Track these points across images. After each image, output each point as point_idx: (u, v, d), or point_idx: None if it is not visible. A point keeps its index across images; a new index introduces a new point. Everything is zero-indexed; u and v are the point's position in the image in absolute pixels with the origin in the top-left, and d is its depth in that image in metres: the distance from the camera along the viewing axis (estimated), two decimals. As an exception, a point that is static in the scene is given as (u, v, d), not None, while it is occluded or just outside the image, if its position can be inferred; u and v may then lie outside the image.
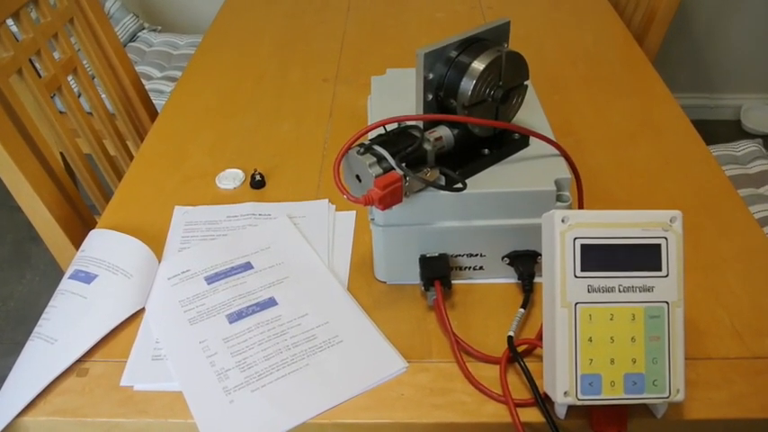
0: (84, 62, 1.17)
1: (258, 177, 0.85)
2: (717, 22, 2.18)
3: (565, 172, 0.68)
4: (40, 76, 1.02)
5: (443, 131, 0.67)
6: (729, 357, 0.63)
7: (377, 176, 0.61)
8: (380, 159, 0.62)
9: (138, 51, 1.89)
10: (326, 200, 0.83)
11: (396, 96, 0.78)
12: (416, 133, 0.65)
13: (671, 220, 0.55)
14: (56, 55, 1.08)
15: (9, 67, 0.94)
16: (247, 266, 0.73)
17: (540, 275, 0.59)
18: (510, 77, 0.68)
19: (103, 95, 1.20)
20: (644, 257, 0.55)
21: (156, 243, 0.76)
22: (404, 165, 0.62)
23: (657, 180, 0.85)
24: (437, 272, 0.68)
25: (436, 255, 0.69)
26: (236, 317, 0.67)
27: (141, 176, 0.89)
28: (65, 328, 0.66)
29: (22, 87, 0.98)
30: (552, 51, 1.17)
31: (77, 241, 0.93)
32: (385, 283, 0.72)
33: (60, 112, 1.04)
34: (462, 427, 0.59)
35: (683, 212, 0.56)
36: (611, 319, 0.55)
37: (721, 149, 1.38)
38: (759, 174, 1.29)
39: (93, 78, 1.21)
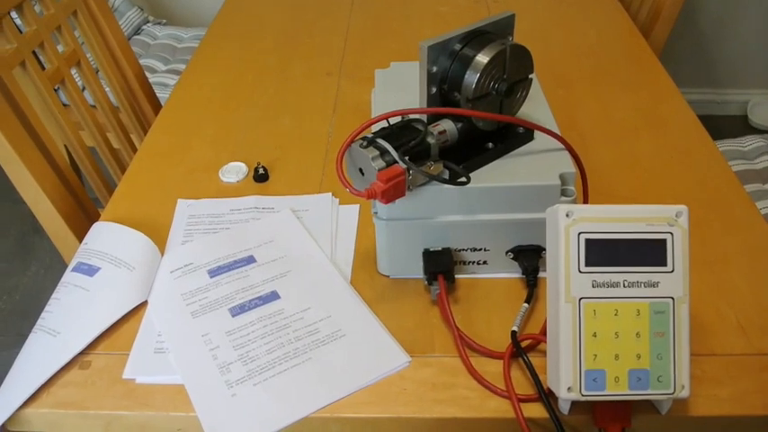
0: (88, 55, 1.17)
1: (261, 171, 0.85)
2: (724, 17, 2.16)
3: (569, 166, 0.67)
4: (43, 69, 1.02)
5: (447, 125, 0.67)
6: (734, 354, 0.63)
7: (380, 170, 0.61)
8: (383, 153, 0.62)
9: (142, 44, 1.88)
10: (330, 193, 0.82)
11: (399, 90, 0.78)
12: (420, 127, 0.64)
13: (676, 215, 0.55)
14: (59, 48, 1.07)
15: (12, 60, 0.94)
16: (250, 260, 0.73)
17: (545, 270, 0.58)
18: (514, 71, 0.67)
19: (107, 88, 1.20)
20: (649, 252, 0.55)
21: (159, 236, 0.76)
22: (407, 158, 0.62)
23: (663, 175, 0.85)
24: (440, 266, 0.67)
25: (440, 249, 0.69)
26: (238, 310, 0.67)
27: (144, 169, 0.89)
28: (67, 320, 0.66)
29: (26, 80, 0.97)
30: (557, 45, 1.16)
31: (81, 234, 0.92)
32: (388, 277, 0.71)
33: (64, 105, 1.04)
34: (465, 423, 0.59)
35: (689, 207, 0.55)
36: (615, 315, 0.54)
37: (728, 145, 1.37)
38: (766, 169, 1.28)
39: (97, 72, 1.20)
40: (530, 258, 0.69)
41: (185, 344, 0.64)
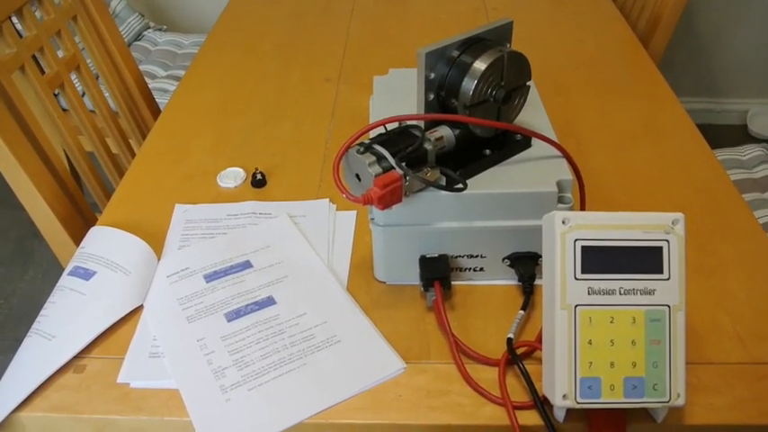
0: (88, 60, 1.17)
1: (259, 176, 0.85)
2: (723, 26, 2.17)
3: (566, 173, 0.67)
4: (43, 73, 1.02)
5: (444, 131, 0.67)
6: (731, 362, 0.62)
7: (376, 176, 0.61)
8: (380, 158, 0.62)
9: (143, 50, 1.89)
10: (327, 199, 0.82)
11: (397, 96, 0.78)
12: (417, 133, 0.64)
13: (673, 223, 0.55)
14: (59, 53, 1.08)
15: (12, 64, 0.94)
16: (246, 265, 0.73)
17: (541, 277, 0.58)
18: (512, 78, 0.67)
19: (106, 93, 1.20)
20: (645, 260, 0.55)
21: (156, 241, 0.76)
22: (404, 164, 0.62)
23: (660, 183, 0.85)
24: (437, 272, 0.67)
25: (436, 255, 0.69)
26: (234, 315, 0.67)
27: (143, 174, 0.89)
28: (63, 324, 0.66)
29: (25, 84, 0.98)
30: (556, 53, 1.17)
31: (78, 238, 0.92)
32: (384, 283, 0.71)
33: (63, 110, 1.04)
34: (460, 430, 0.58)
35: (686, 216, 0.55)
36: (611, 322, 0.54)
37: (727, 154, 1.37)
38: (764, 178, 1.28)
39: (97, 77, 1.21)
40: (526, 265, 0.69)
41: (180, 348, 0.64)
